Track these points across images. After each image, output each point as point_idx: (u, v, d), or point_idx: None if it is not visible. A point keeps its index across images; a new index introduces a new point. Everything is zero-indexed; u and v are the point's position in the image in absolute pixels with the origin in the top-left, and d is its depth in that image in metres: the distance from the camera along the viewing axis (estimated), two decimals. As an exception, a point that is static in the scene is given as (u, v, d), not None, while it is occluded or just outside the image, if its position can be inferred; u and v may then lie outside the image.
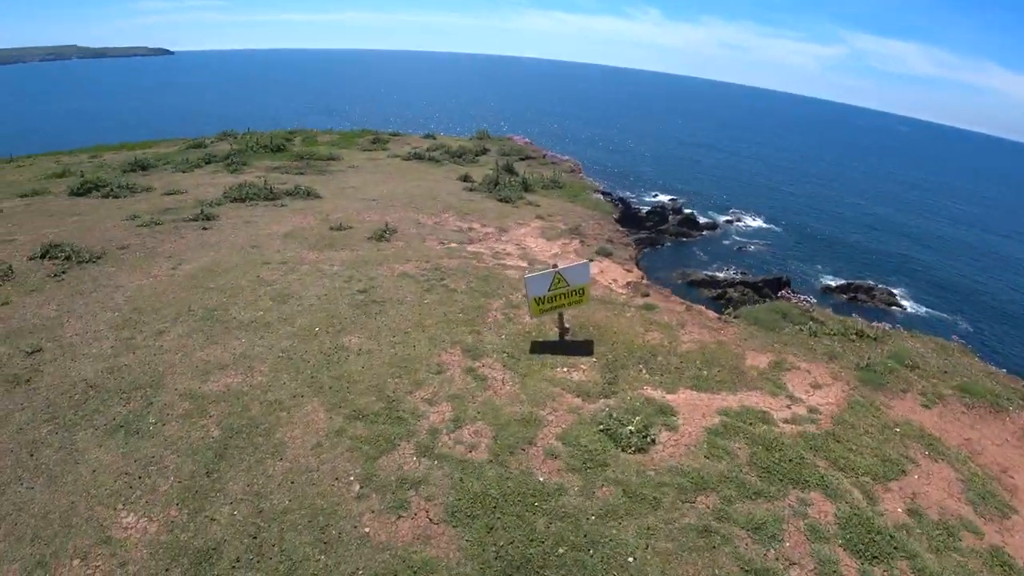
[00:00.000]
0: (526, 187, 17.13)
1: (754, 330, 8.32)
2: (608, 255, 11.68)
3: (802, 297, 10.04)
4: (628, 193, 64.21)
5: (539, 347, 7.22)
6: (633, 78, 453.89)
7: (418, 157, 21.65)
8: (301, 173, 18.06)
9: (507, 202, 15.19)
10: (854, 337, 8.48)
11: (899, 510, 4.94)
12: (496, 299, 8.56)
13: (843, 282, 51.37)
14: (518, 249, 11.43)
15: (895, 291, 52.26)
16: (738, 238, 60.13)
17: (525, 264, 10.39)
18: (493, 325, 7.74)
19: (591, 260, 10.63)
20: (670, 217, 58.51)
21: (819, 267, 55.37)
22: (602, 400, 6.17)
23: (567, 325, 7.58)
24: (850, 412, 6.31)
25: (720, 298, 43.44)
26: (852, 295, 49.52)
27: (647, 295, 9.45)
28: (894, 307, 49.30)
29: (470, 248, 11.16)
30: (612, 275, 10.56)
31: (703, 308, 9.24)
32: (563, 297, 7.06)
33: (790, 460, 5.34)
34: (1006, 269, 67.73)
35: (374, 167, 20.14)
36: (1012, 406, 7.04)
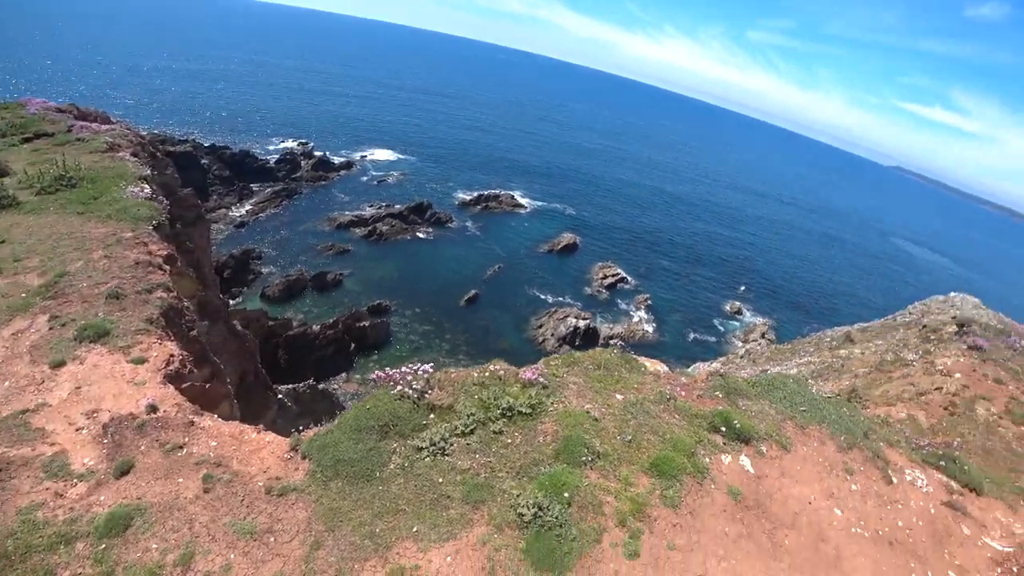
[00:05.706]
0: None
1: (334, 495, 5.09)
2: (101, 336, 6.53)
3: (402, 369, 6.49)
4: (249, 143, 56.97)
5: None
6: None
7: None
8: None
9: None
10: (500, 424, 5.72)
11: None
12: None
13: (475, 195, 57.63)
14: None
15: (515, 194, 61.88)
16: (375, 173, 59.90)
17: None
18: None
19: (60, 363, 6.11)
20: (302, 163, 54.11)
21: (451, 185, 60.37)
22: None
23: None
24: None
25: (371, 235, 43.58)
26: (484, 204, 56.20)
27: (126, 471, 4.45)
28: (518, 208, 58.48)
29: None
30: (99, 392, 5.81)
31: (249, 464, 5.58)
32: None
33: None
34: (588, 159, 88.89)
35: None
36: (706, 449, 6.14)
